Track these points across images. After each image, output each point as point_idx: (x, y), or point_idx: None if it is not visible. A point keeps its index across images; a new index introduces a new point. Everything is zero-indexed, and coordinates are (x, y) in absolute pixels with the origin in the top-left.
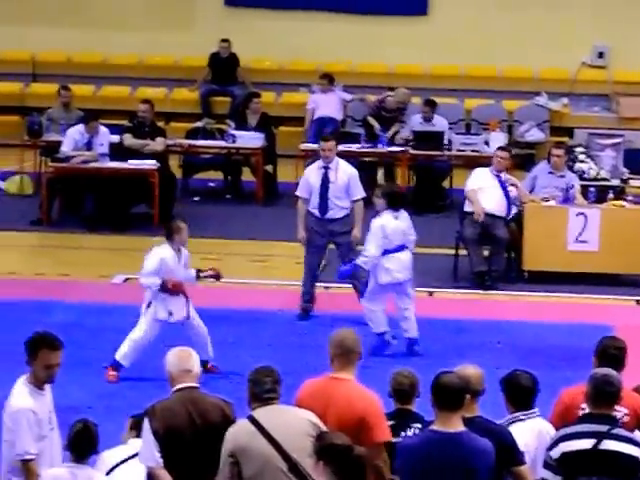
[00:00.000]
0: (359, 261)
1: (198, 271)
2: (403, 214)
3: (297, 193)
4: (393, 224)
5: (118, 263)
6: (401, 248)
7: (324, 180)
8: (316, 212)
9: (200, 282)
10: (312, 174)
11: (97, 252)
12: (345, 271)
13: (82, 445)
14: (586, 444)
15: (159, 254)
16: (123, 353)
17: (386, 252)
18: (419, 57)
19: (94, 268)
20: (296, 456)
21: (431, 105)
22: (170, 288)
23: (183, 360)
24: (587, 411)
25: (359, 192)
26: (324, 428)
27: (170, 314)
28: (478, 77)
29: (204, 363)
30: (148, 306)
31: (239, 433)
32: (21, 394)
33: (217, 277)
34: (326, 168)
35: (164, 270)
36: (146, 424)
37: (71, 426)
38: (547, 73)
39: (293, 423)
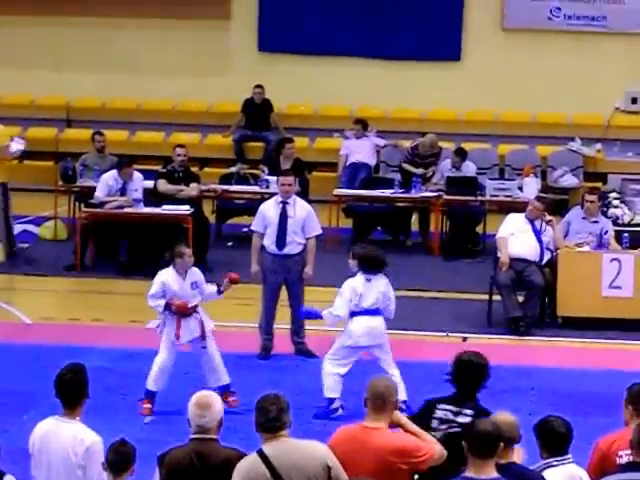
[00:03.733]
0: (324, 312)
1: (219, 286)
2: (380, 279)
3: (252, 227)
4: (363, 287)
5: (151, 308)
6: (372, 313)
7: (283, 215)
8: (273, 247)
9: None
10: (269, 209)
11: (130, 297)
12: (306, 312)
13: (119, 463)
14: None
15: (161, 277)
16: (150, 380)
17: (353, 314)
18: (452, 103)
19: (127, 313)
20: None
21: (461, 154)
22: (175, 310)
23: (197, 414)
24: (629, 459)
25: (315, 229)
26: (338, 468)
27: (177, 337)
28: (512, 122)
29: (221, 392)
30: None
31: (249, 470)
32: (88, 430)
33: (236, 281)
34: (284, 203)
35: (168, 293)
36: (156, 470)
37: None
38: (580, 119)
39: (305, 464)
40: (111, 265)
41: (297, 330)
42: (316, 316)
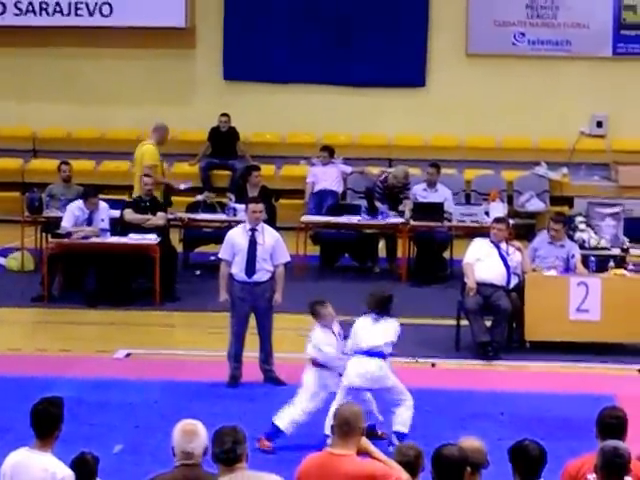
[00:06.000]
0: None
1: None
2: (388, 321)
3: (220, 255)
4: (367, 327)
5: (120, 338)
6: (370, 354)
7: (252, 242)
8: (241, 275)
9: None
10: (237, 236)
11: (98, 327)
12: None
13: (81, 477)
14: None
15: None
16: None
17: (355, 353)
18: (418, 128)
19: (95, 343)
20: None
21: (437, 167)
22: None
23: (184, 440)
24: None
25: (284, 256)
26: None
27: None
28: (477, 148)
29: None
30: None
31: None
32: (59, 463)
33: None
34: (253, 230)
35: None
36: None
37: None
38: (546, 143)
39: None
40: (79, 295)
41: (266, 358)
42: None
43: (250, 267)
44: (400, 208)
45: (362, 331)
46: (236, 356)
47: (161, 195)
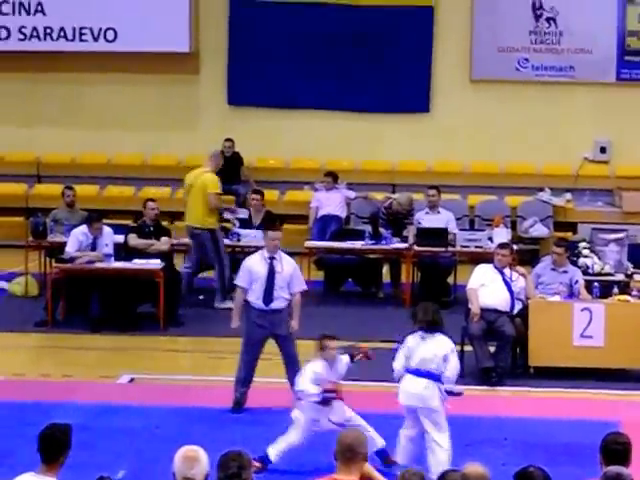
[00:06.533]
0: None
1: (351, 356)
2: (436, 339)
3: (236, 282)
4: (414, 344)
5: (124, 363)
6: (418, 374)
7: (271, 270)
8: (259, 303)
9: None
10: (256, 264)
11: (102, 352)
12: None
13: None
14: None
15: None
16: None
17: (406, 372)
18: (422, 154)
19: (99, 369)
20: None
21: (437, 189)
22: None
23: (186, 466)
24: None
25: (301, 284)
26: None
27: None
28: (481, 173)
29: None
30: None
31: None
32: None
33: (369, 358)
34: (272, 259)
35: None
36: None
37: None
38: (550, 169)
39: None
40: (82, 320)
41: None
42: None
43: (268, 295)
44: (404, 233)
45: (412, 349)
46: (245, 380)
47: (217, 221)
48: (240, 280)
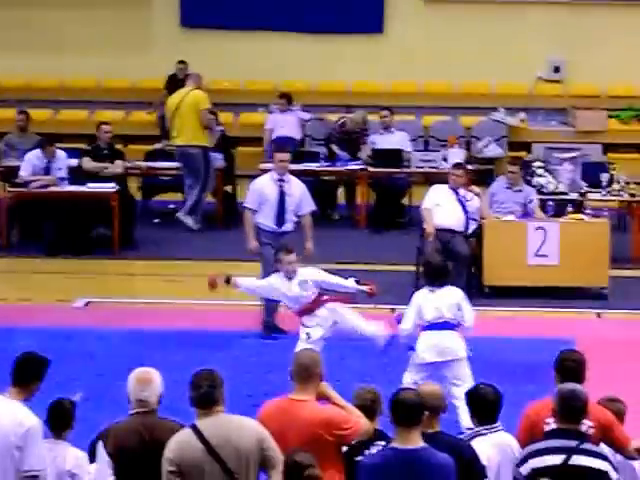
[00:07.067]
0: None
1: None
2: (445, 290)
3: (245, 204)
4: (424, 299)
5: (79, 287)
6: (437, 327)
7: (281, 193)
8: (270, 225)
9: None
10: (266, 186)
11: (58, 276)
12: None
13: (57, 421)
14: (556, 460)
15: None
16: None
17: (422, 329)
18: (376, 75)
19: (55, 292)
20: (240, 475)
21: (389, 110)
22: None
23: (139, 388)
24: (554, 426)
25: (310, 205)
26: (271, 442)
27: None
28: (435, 93)
29: None
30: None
31: (182, 444)
32: (27, 412)
33: (374, 295)
34: (282, 181)
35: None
36: (99, 447)
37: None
38: (504, 88)
39: (239, 438)
40: (37, 245)
41: None
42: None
43: (280, 218)
44: (359, 155)
45: (423, 304)
46: (270, 303)
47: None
48: (249, 202)
